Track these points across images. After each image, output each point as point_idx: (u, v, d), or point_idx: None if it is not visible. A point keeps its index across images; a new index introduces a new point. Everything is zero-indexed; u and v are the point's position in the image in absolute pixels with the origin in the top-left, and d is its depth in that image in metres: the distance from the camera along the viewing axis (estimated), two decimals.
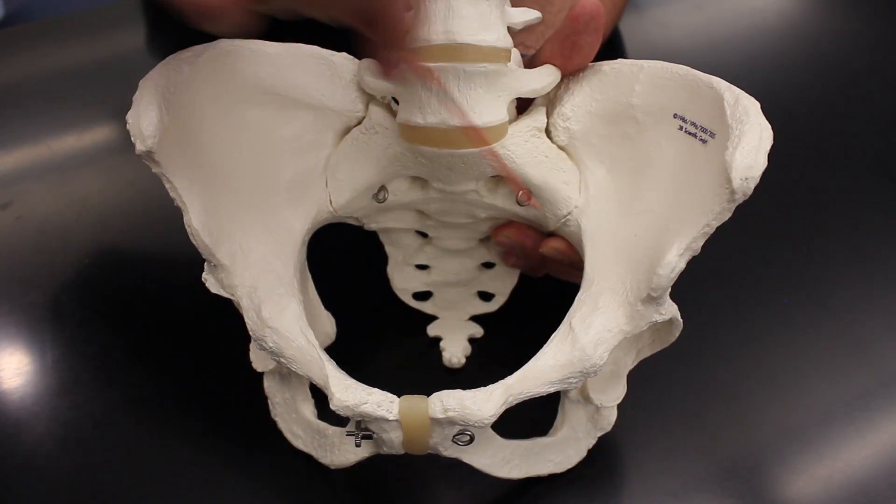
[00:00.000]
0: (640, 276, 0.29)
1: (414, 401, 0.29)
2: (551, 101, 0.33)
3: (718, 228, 0.27)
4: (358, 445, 0.31)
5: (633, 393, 0.34)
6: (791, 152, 0.51)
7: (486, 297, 0.41)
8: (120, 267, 0.45)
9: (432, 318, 0.41)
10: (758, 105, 0.27)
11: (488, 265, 0.40)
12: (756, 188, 0.26)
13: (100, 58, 0.57)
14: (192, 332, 0.42)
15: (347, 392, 0.28)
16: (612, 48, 0.56)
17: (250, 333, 0.30)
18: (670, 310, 0.29)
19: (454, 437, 0.30)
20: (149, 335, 0.42)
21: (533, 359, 0.30)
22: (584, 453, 0.35)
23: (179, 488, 0.36)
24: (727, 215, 0.27)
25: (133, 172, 0.50)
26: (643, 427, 0.38)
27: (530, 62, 0.33)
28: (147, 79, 0.28)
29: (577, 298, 0.31)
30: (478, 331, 0.41)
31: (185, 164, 0.29)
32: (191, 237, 0.29)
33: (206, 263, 0.31)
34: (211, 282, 0.31)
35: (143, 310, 0.43)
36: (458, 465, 0.32)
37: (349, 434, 0.31)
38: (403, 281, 0.41)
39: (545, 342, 0.30)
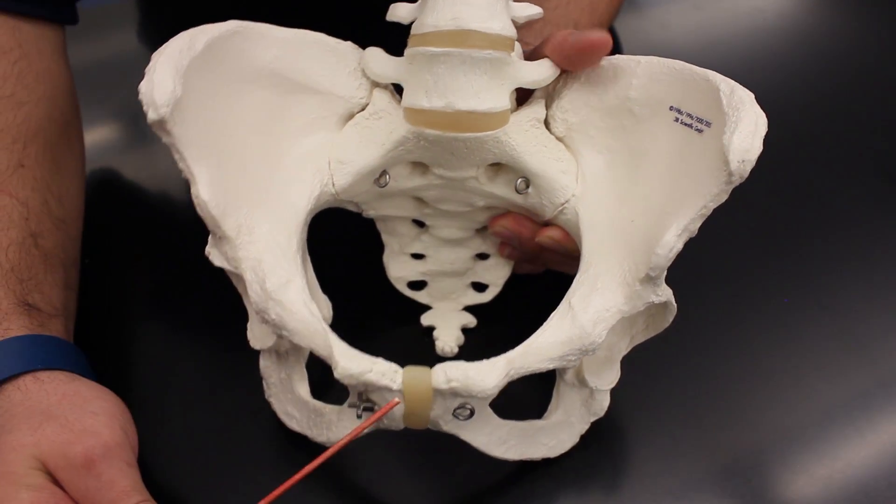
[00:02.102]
0: (638, 258, 0.30)
1: (418, 371, 0.29)
2: (550, 94, 0.34)
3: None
4: (359, 417, 0.30)
5: (633, 392, 0.34)
6: (791, 152, 0.51)
7: (479, 287, 0.41)
8: (120, 265, 0.45)
9: (426, 308, 0.41)
10: (752, 95, 0.28)
11: (483, 256, 0.41)
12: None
13: (99, 58, 0.58)
14: (189, 330, 0.42)
15: (352, 361, 0.29)
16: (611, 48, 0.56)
17: (253, 307, 0.30)
18: (666, 292, 0.30)
19: (455, 410, 0.30)
20: (148, 334, 0.42)
21: (533, 335, 0.30)
22: (576, 438, 0.35)
23: (175, 475, 0.36)
24: (724, 197, 0.28)
25: (133, 172, 0.50)
26: (643, 427, 0.37)
27: (529, 59, 0.33)
28: (161, 51, 0.29)
29: (575, 280, 0.31)
30: (471, 321, 0.41)
31: (195, 137, 0.29)
32: (197, 208, 0.29)
33: (210, 237, 0.31)
34: (215, 255, 0.31)
35: (142, 309, 0.43)
36: (455, 452, 0.32)
37: (351, 406, 0.31)
38: (399, 270, 0.41)
39: None
